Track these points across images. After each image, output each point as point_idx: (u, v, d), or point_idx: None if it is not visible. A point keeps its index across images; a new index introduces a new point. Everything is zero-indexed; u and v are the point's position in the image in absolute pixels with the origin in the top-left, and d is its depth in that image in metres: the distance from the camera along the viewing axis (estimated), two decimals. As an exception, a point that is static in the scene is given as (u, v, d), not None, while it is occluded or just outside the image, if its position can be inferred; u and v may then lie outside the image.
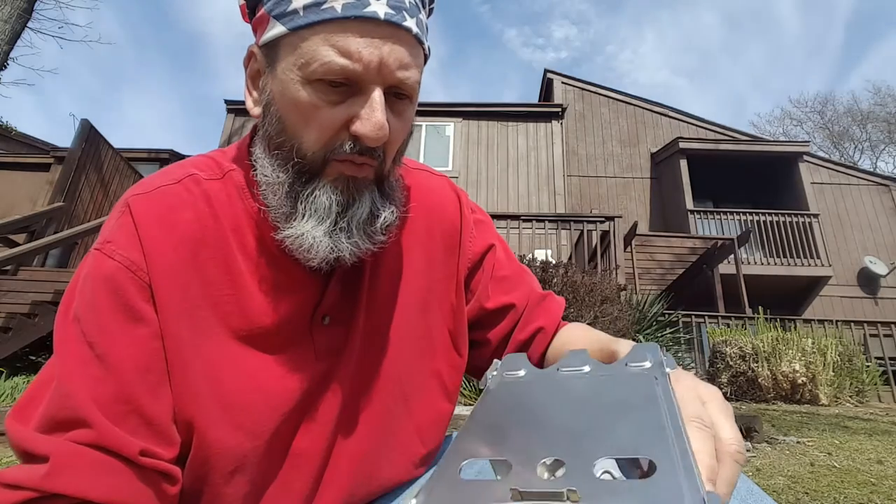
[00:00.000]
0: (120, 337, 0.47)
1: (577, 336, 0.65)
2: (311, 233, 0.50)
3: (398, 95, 0.51)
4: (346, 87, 0.48)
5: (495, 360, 0.43)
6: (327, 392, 0.56)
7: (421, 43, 0.51)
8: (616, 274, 5.63)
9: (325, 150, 0.50)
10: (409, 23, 0.48)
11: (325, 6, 0.46)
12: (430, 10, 0.56)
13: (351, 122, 0.48)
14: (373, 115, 0.47)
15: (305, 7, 0.47)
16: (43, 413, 0.45)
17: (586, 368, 0.38)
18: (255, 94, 0.55)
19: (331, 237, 0.50)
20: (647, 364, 0.37)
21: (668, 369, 0.36)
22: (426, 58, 0.54)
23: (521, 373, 0.40)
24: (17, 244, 5.35)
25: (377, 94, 0.48)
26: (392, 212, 0.54)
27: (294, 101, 0.48)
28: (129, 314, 0.48)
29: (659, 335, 5.33)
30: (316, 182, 0.51)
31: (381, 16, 0.47)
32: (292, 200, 0.51)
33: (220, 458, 0.50)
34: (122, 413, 0.45)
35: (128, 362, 0.47)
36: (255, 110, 0.54)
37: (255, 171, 0.54)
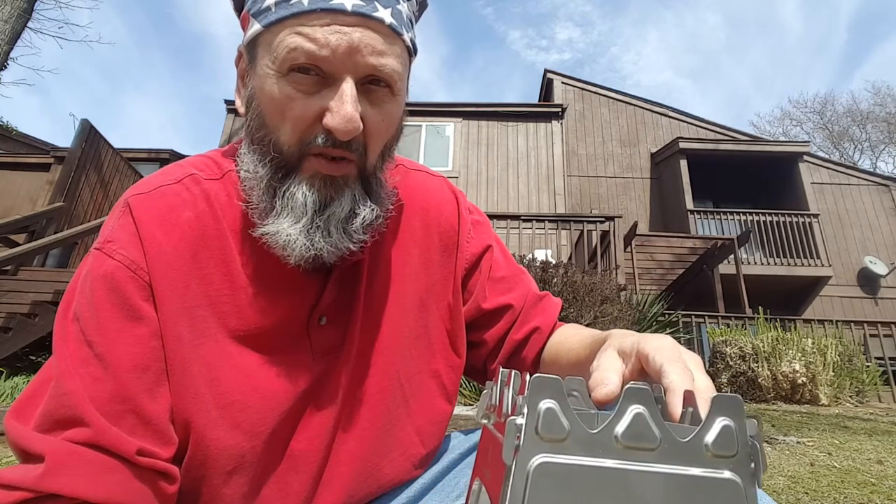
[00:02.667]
0: (119, 336, 0.47)
1: (570, 335, 0.65)
2: (287, 230, 0.49)
3: (375, 84, 0.50)
4: (318, 77, 0.48)
5: (520, 398, 0.30)
6: (325, 392, 0.56)
7: (399, 34, 0.50)
8: (616, 274, 5.63)
9: (299, 145, 0.49)
10: (382, 13, 0.48)
11: (293, 1, 0.47)
12: (421, 5, 0.56)
13: (322, 115, 0.48)
14: (342, 108, 0.47)
15: (276, 3, 0.48)
16: (41, 412, 0.45)
17: (657, 448, 0.28)
18: (243, 92, 0.55)
19: (306, 236, 0.50)
20: (732, 451, 0.29)
21: (762, 466, 0.29)
22: (412, 52, 0.53)
23: (566, 440, 0.28)
24: (17, 244, 5.35)
25: (347, 86, 0.47)
26: (372, 210, 0.53)
27: (270, 95, 0.49)
28: (128, 313, 0.48)
29: (659, 335, 5.32)
30: (292, 178, 0.50)
31: (349, 7, 0.47)
32: (270, 196, 0.51)
33: (219, 458, 0.50)
34: (119, 412, 0.45)
35: (126, 361, 0.46)
36: (243, 108, 0.55)
37: (237, 166, 0.54)
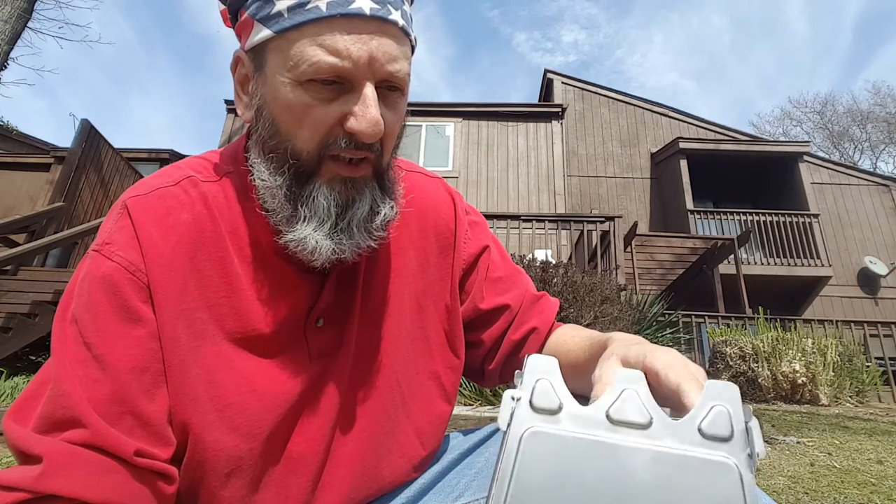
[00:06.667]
0: (117, 338, 0.47)
1: (568, 336, 0.65)
2: (313, 236, 0.50)
3: (390, 88, 0.50)
4: (337, 84, 0.48)
5: (517, 374, 0.31)
6: (323, 394, 0.56)
7: (407, 34, 0.51)
8: (616, 274, 5.63)
9: (319, 149, 0.50)
10: (395, 15, 0.48)
11: (309, 6, 0.46)
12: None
13: (345, 120, 0.48)
14: (367, 112, 0.47)
15: (290, 8, 0.47)
16: (40, 413, 0.45)
17: (649, 427, 0.29)
18: (245, 98, 0.54)
19: (332, 239, 0.50)
20: (727, 434, 0.28)
21: (757, 451, 0.28)
22: (413, 48, 0.54)
23: (558, 413, 0.29)
24: (17, 244, 5.35)
25: (369, 90, 0.48)
26: (392, 207, 0.54)
27: (286, 103, 0.48)
28: (126, 315, 0.48)
29: (659, 335, 5.32)
30: (313, 183, 0.51)
31: (367, 11, 0.47)
32: (292, 203, 0.51)
33: (216, 461, 0.50)
34: (117, 414, 0.45)
35: (124, 363, 0.46)
36: (247, 115, 0.54)
37: (252, 176, 0.53)
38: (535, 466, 0.28)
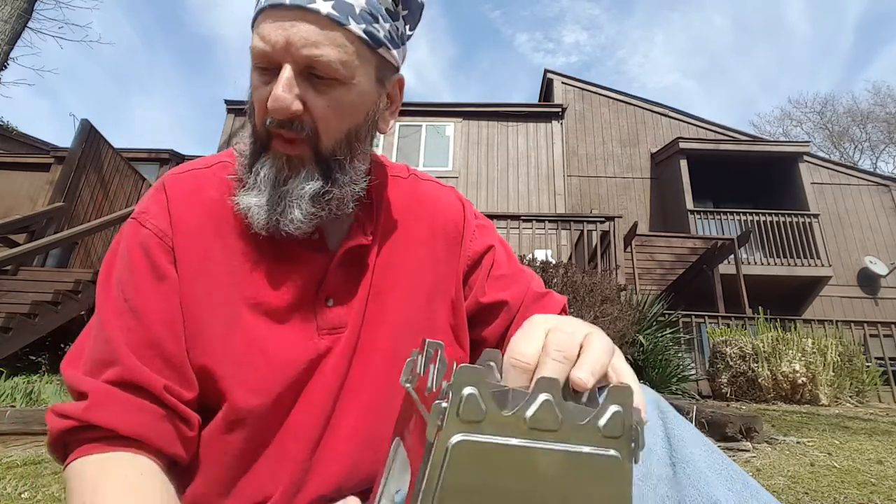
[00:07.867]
0: (149, 292, 0.56)
1: None
2: (248, 202, 0.57)
3: (318, 76, 0.54)
4: (272, 70, 0.54)
5: (445, 384, 0.34)
6: (328, 369, 0.59)
7: (342, 24, 0.53)
8: (616, 274, 5.63)
9: (261, 126, 0.56)
10: (319, 4, 0.52)
11: (259, 1, 0.55)
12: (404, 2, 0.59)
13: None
14: (275, 90, 0.52)
15: (257, 3, 0.56)
16: (88, 357, 0.54)
17: (559, 430, 0.33)
18: None
19: (264, 209, 0.56)
20: (619, 433, 0.33)
21: (641, 445, 0.34)
22: (372, 42, 0.55)
23: (482, 422, 0.32)
24: (17, 244, 5.36)
25: (283, 72, 0.53)
26: (320, 185, 0.57)
27: (251, 85, 0.57)
28: (156, 273, 0.56)
29: (659, 335, 5.32)
30: (262, 158, 0.57)
31: (287, 1, 0.52)
32: (248, 172, 0.58)
33: (223, 412, 0.55)
34: (149, 356, 0.54)
35: (155, 314, 0.55)
36: None
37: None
38: (461, 472, 0.32)
